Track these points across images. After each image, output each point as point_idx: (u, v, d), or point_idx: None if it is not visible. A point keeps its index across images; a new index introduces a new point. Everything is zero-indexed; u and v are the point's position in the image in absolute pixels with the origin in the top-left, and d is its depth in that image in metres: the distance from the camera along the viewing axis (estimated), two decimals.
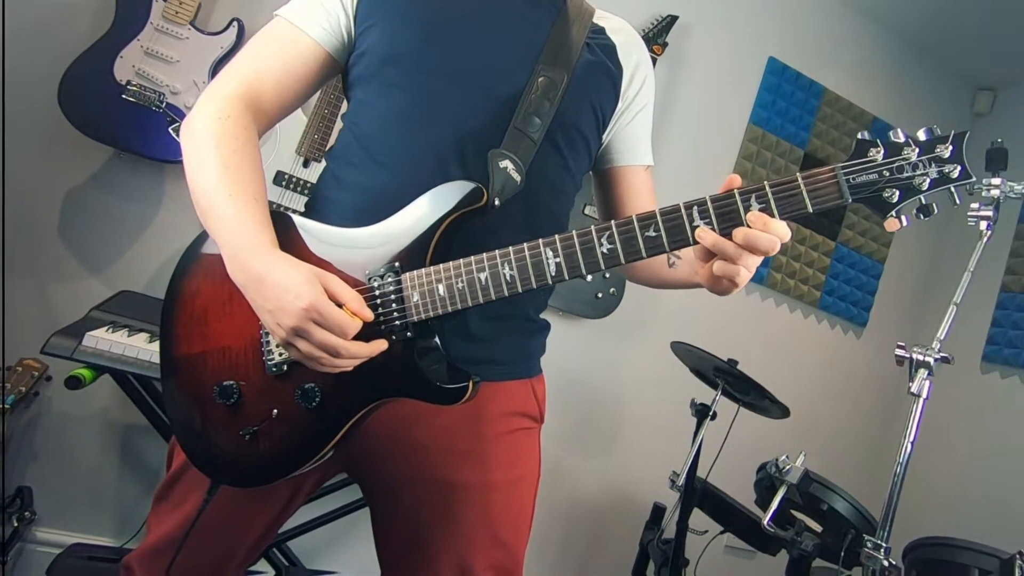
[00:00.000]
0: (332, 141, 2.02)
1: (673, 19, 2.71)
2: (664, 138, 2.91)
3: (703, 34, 2.96)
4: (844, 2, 3.21)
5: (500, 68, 1.09)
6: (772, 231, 0.86)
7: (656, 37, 2.69)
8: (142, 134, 2.05)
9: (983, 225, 1.57)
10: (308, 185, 2.22)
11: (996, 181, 1.53)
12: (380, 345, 0.95)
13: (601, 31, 1.22)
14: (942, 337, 1.57)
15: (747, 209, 0.87)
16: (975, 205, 1.57)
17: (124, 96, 2.02)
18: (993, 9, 2.94)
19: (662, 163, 2.76)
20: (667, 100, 2.94)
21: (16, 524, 2.06)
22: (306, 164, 2.24)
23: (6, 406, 1.87)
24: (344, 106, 1.69)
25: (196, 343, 1.04)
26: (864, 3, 3.19)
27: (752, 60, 3.09)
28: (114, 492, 2.34)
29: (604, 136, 1.23)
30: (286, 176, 2.21)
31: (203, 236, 1.08)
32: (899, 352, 1.58)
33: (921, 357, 1.55)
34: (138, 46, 2.05)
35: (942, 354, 1.54)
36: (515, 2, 1.15)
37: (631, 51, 1.24)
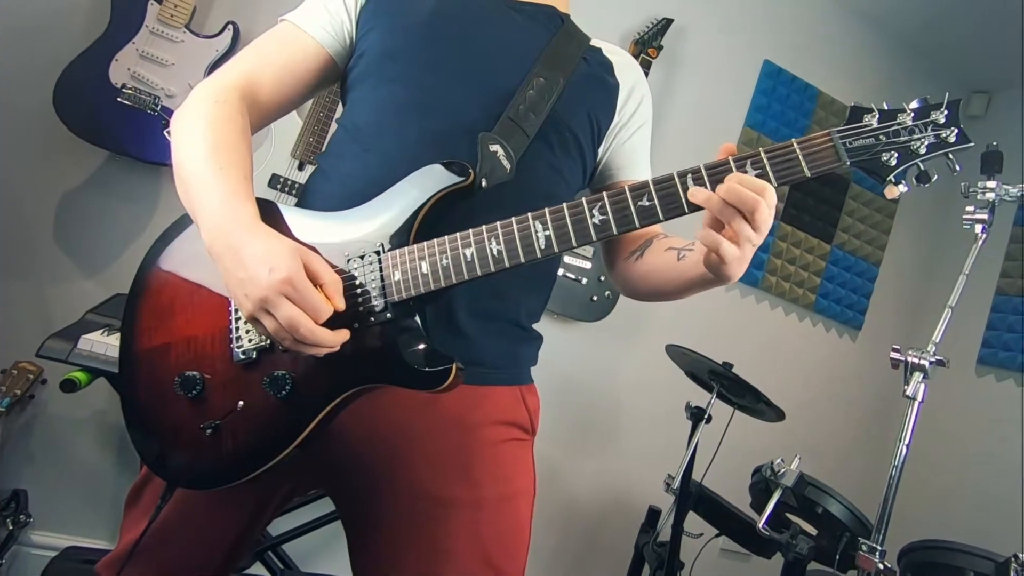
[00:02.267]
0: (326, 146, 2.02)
1: (668, 22, 2.71)
2: (660, 141, 2.90)
3: (698, 37, 2.97)
4: (839, 5, 3.22)
5: (498, 65, 1.09)
6: (749, 186, 0.83)
7: (651, 40, 2.69)
8: (137, 137, 2.05)
9: (978, 228, 1.58)
10: None
11: (991, 184, 1.54)
12: (343, 335, 0.88)
13: (598, 50, 1.23)
14: (937, 340, 1.57)
15: None
16: (970, 208, 1.58)
17: (119, 99, 2.02)
18: (987, 12, 2.94)
19: (657, 166, 2.76)
20: (663, 103, 2.94)
21: (11, 527, 2.06)
22: (301, 167, 2.24)
23: (1, 409, 1.88)
24: (339, 110, 1.69)
25: (159, 335, 1.00)
26: (859, 6, 3.20)
27: (747, 63, 3.09)
28: (109, 495, 2.34)
29: (600, 149, 1.22)
30: (281, 179, 2.21)
31: (168, 231, 1.07)
32: (894, 355, 1.59)
33: (916, 360, 1.55)
34: (133, 49, 2.05)
35: (937, 357, 1.54)
36: (515, 16, 1.15)
37: (627, 70, 1.24)
